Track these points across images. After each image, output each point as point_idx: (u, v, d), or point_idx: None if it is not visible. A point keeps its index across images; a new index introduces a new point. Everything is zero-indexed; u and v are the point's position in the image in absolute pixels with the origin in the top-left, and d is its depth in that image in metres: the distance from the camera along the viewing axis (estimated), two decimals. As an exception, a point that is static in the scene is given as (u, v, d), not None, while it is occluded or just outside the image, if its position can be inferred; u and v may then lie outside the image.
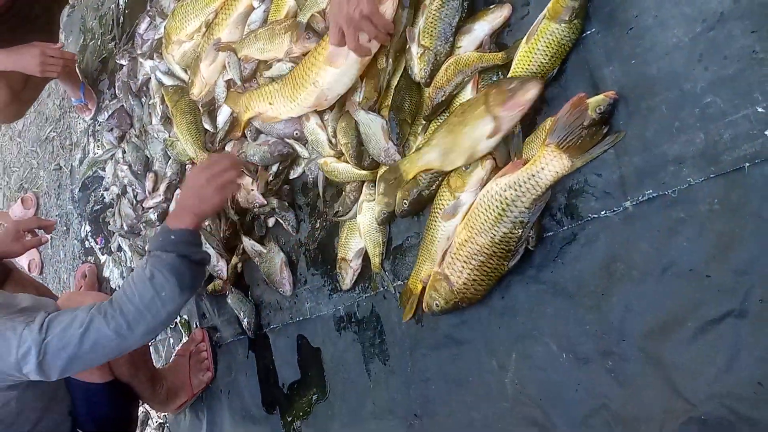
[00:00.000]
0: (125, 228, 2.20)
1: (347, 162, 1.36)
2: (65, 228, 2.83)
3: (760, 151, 0.80)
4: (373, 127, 1.27)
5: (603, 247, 0.97)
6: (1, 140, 3.68)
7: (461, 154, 1.10)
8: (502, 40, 1.15)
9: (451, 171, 1.13)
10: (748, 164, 0.81)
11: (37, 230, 1.80)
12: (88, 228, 2.53)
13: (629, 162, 0.94)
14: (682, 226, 0.88)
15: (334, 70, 1.27)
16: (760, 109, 0.80)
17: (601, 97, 0.95)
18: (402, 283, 1.28)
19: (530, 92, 0.99)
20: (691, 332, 0.87)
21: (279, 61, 1.48)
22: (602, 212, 0.97)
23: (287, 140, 1.52)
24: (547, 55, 1.02)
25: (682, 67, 0.88)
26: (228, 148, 1.66)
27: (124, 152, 2.22)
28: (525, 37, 1.05)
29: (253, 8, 1.58)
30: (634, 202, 0.93)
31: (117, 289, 2.03)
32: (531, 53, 1.03)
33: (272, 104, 1.44)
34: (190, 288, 1.33)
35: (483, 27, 1.14)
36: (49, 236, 2.25)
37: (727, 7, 0.84)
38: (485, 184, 1.08)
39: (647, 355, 0.91)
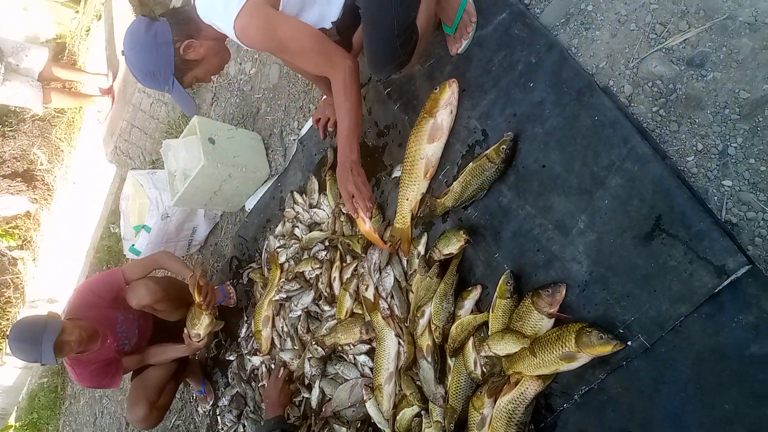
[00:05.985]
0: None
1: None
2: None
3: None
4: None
5: (572, 425, 1.60)
6: (130, 436, 4.42)
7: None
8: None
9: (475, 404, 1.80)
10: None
11: None
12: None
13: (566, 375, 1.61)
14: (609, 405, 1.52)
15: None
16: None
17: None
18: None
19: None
20: None
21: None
22: (564, 405, 1.61)
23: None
24: (504, 317, 1.77)
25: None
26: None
27: (243, 426, 2.92)
28: (490, 309, 1.80)
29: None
30: (580, 395, 1.58)
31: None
32: (495, 318, 1.78)
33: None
34: None
35: (469, 303, 1.92)
36: None
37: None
38: (496, 401, 1.74)
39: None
